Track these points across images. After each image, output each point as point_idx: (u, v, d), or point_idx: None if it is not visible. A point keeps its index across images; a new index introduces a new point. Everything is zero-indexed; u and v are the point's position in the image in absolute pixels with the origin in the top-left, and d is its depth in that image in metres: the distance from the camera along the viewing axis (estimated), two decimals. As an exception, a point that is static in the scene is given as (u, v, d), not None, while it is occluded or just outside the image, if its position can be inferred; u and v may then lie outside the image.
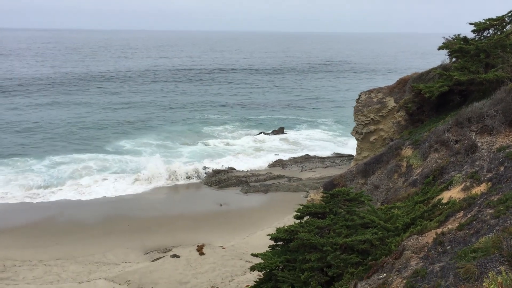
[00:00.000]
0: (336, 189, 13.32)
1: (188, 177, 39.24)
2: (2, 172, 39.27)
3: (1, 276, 23.36)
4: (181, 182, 38.40)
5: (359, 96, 31.97)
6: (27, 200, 34.11)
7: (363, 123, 30.75)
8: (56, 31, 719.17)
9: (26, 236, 28.17)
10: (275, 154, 46.72)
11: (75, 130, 55.62)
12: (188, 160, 44.48)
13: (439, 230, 9.77)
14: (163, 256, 25.50)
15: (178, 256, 25.21)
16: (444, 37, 24.68)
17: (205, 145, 51.04)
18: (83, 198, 34.87)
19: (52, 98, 75.73)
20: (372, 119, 30.21)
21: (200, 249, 26.00)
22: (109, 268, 24.29)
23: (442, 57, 25.98)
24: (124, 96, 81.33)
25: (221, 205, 33.53)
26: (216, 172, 40.66)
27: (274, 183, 37.63)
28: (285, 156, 45.78)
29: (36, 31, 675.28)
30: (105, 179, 38.48)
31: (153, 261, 25.12)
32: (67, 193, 35.66)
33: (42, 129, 55.66)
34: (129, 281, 22.57)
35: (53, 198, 34.76)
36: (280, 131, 57.00)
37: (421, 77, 27.07)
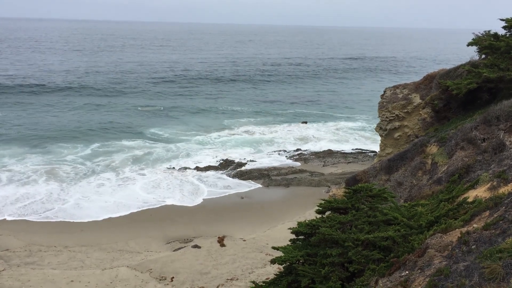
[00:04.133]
0: (359, 185, 13.22)
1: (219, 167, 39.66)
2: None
3: (27, 260, 23.99)
4: (207, 173, 38.68)
5: (384, 92, 31.57)
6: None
7: (387, 119, 30.38)
8: (82, 21, 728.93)
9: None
10: (295, 150, 46.61)
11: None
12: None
13: (464, 229, 9.62)
14: (185, 246, 25.79)
15: (199, 247, 25.46)
16: (474, 33, 24.16)
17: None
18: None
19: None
20: (396, 115, 29.83)
21: (221, 241, 26.20)
22: (132, 256, 24.70)
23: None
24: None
25: (242, 198, 33.67)
26: (239, 164, 40.87)
27: (296, 177, 37.58)
28: (306, 151, 45.69)
29: (57, 21, 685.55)
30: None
31: (174, 250, 25.44)
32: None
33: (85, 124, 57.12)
34: (150, 269, 22.91)
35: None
36: (304, 124, 56.85)
37: (449, 73, 26.56)
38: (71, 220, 29.09)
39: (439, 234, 9.80)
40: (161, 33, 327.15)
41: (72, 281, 21.68)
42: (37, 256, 24.45)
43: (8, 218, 28.73)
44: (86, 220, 29.17)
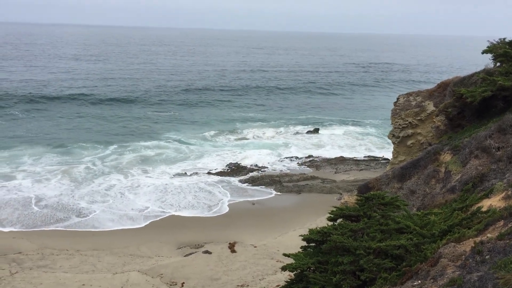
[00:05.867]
0: (371, 193, 13.14)
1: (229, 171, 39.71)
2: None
3: (39, 263, 24.18)
4: (216, 178, 38.73)
5: (397, 99, 31.38)
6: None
7: (400, 127, 30.19)
8: (94, 27, 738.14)
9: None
10: (307, 157, 46.50)
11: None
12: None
13: (477, 239, 9.50)
14: (195, 252, 25.81)
15: (210, 253, 25.45)
16: (488, 41, 23.96)
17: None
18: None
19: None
20: (410, 122, 29.63)
21: (232, 247, 26.18)
22: (143, 261, 24.78)
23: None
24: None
25: (253, 204, 33.65)
26: (250, 170, 40.91)
27: (307, 184, 37.46)
28: (318, 158, 45.56)
29: (73, 26, 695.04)
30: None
31: (185, 256, 25.47)
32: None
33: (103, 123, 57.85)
34: (161, 274, 22.95)
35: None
36: (315, 131, 56.74)
37: (463, 81, 26.33)
38: (83, 230, 29.08)
39: (453, 243, 9.69)
40: (175, 39, 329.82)
41: (83, 284, 21.79)
42: (49, 260, 24.64)
43: (14, 229, 28.51)
44: (98, 230, 29.12)
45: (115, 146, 47.57)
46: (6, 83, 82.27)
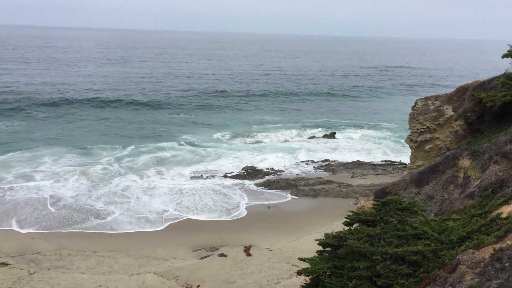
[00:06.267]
0: (388, 197, 13.02)
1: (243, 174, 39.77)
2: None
3: (57, 264, 24.48)
4: (231, 182, 38.79)
5: (415, 103, 31.11)
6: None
7: (418, 131, 29.91)
8: (121, 31, 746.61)
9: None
10: (323, 160, 46.32)
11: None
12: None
13: (497, 246, 9.34)
14: (211, 255, 25.86)
15: (225, 256, 25.48)
16: (509, 45, 23.62)
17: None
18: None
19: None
20: (428, 127, 29.34)
21: (247, 250, 26.17)
22: (159, 263, 24.91)
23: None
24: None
25: (269, 207, 33.61)
26: (266, 173, 40.90)
27: (323, 188, 37.28)
28: (335, 162, 45.34)
29: (96, 30, 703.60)
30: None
31: (200, 258, 25.54)
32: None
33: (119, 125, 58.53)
34: (177, 277, 23.05)
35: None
36: (332, 135, 56.50)
37: (483, 85, 25.97)
38: (100, 232, 29.33)
39: (471, 250, 9.55)
40: (192, 42, 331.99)
41: (100, 286, 22.00)
42: (67, 260, 24.92)
43: (32, 230, 28.88)
44: (115, 232, 29.36)
45: (131, 147, 48.22)
46: (28, 86, 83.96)
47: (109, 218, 30.76)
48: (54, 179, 37.64)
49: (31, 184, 36.35)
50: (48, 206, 32.22)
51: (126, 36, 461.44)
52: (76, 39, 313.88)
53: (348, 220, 13.35)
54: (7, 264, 23.98)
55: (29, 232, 28.40)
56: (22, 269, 23.44)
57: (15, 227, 29.03)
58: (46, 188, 35.46)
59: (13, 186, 35.71)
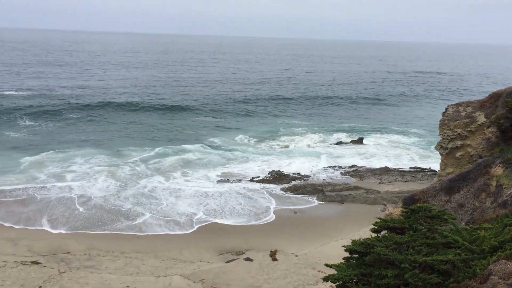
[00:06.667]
0: (417, 205, 12.82)
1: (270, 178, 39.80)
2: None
3: (86, 264, 24.96)
4: (256, 186, 38.85)
5: (446, 109, 30.60)
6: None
7: (448, 138, 29.38)
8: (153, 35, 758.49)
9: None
10: (350, 166, 45.90)
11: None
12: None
13: (531, 257, 9.09)
14: (237, 259, 25.91)
15: (251, 260, 25.49)
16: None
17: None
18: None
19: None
20: (459, 134, 28.78)
21: (273, 255, 26.12)
22: (185, 266, 25.11)
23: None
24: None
25: (295, 212, 33.50)
26: (293, 178, 40.79)
27: (350, 194, 36.94)
28: (362, 168, 44.89)
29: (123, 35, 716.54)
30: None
31: (226, 262, 25.62)
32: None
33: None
34: (203, 279, 23.17)
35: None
36: (359, 141, 55.97)
37: (517, 91, 25.34)
38: (128, 233, 29.77)
39: (504, 260, 9.31)
40: (221, 46, 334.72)
41: (127, 286, 22.30)
42: (96, 260, 25.38)
43: (63, 231, 29.54)
44: (144, 234, 29.74)
45: (158, 149, 49.02)
46: (62, 89, 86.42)
47: (138, 220, 31.18)
48: (84, 179, 38.65)
49: (62, 184, 37.35)
50: (78, 206, 32.96)
51: (154, 40, 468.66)
52: (106, 44, 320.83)
53: (376, 227, 13.20)
54: (39, 263, 24.57)
55: (60, 232, 29.08)
56: (52, 268, 23.97)
57: (47, 227, 29.78)
58: (77, 188, 36.39)
59: (45, 186, 36.78)
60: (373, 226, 13.32)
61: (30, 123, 59.99)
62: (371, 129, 64.41)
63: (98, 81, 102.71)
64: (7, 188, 35.92)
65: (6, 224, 30.00)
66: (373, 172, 43.36)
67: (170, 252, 26.82)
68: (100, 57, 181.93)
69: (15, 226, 29.77)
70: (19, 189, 35.89)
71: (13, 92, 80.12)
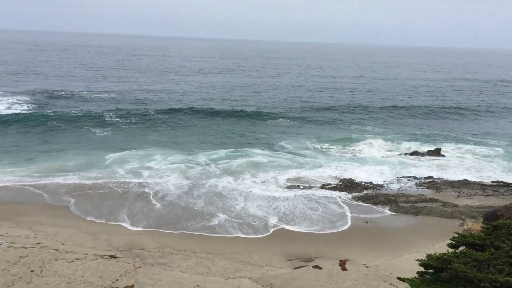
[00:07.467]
0: (500, 221, 12.14)
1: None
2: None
3: (159, 261, 25.93)
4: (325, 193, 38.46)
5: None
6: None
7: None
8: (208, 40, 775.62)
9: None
10: (426, 177, 44.12)
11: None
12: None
13: None
14: (305, 266, 25.77)
15: (320, 268, 25.25)
16: None
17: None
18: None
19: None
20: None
21: (342, 264, 25.70)
22: (254, 269, 25.36)
23: None
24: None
25: (366, 222, 32.77)
26: (364, 187, 39.94)
27: (426, 206, 35.51)
28: (439, 179, 43.00)
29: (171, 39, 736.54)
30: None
31: (295, 268, 25.56)
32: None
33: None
34: (271, 284, 23.27)
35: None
36: (437, 151, 53.68)
37: None
38: (200, 233, 30.54)
39: None
40: (294, 52, 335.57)
41: (198, 285, 22.89)
42: (169, 258, 26.29)
43: (139, 228, 30.74)
44: (213, 235, 30.33)
45: (228, 150, 50.35)
46: (143, 93, 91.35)
47: (214, 222, 31.95)
48: (159, 176, 40.66)
49: (140, 180, 39.53)
50: (154, 202, 34.58)
51: (227, 45, 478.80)
52: (181, 48, 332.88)
53: (454, 242, 12.67)
54: (116, 257, 25.87)
55: (136, 229, 30.49)
56: (128, 263, 25.13)
57: (124, 223, 31.34)
58: (153, 185, 38.26)
59: (125, 181, 39.16)
60: (450, 241, 12.81)
61: (116, 120, 64.62)
62: (450, 139, 61.61)
63: (175, 86, 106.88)
64: (90, 182, 38.65)
65: (88, 218, 31.97)
66: (450, 184, 41.41)
67: (240, 255, 27.20)
68: (178, 61, 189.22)
69: (97, 221, 31.64)
70: (103, 183, 38.56)
71: (100, 95, 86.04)
